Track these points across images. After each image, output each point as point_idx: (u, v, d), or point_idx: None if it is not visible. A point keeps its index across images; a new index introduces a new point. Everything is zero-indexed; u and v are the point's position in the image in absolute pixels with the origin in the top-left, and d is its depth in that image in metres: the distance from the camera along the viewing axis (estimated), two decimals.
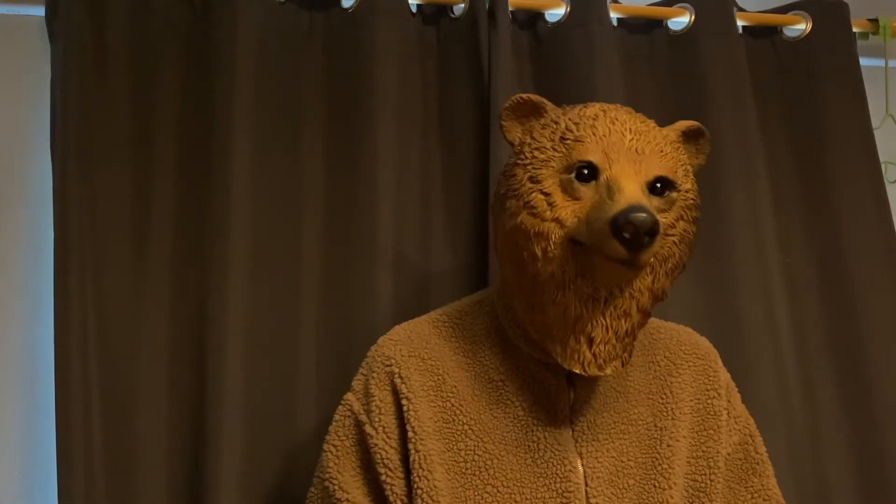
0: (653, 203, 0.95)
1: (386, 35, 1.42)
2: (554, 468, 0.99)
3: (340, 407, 1.08)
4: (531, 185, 0.96)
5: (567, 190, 0.95)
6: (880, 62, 1.76)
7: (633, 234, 0.86)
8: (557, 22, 1.53)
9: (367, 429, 1.03)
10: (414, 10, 1.48)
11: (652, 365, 1.09)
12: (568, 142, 0.96)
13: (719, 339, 1.47)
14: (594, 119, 0.98)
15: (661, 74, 1.59)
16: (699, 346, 1.13)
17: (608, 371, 0.97)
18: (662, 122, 1.54)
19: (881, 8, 1.74)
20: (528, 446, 1.00)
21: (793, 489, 1.44)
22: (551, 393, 1.02)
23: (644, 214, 0.86)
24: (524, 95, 1.03)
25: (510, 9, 1.48)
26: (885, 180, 1.64)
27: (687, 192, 0.99)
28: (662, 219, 0.95)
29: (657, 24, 1.61)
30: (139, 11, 1.37)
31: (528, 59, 1.53)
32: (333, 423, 1.07)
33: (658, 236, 0.88)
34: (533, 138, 1.00)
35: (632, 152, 0.95)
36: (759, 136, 1.58)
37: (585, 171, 0.94)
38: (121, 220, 1.33)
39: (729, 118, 1.55)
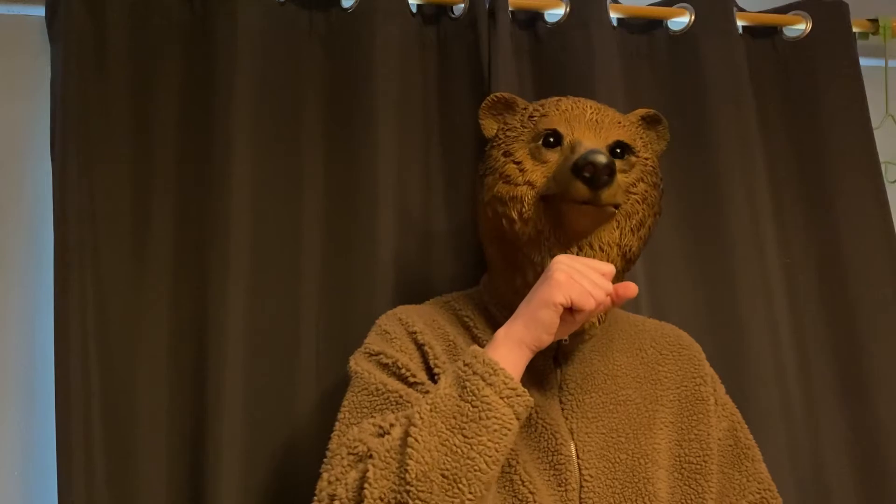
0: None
1: (386, 35, 1.42)
2: (546, 442, 1.04)
3: (357, 355, 1.09)
4: (504, 159, 1.08)
5: (535, 156, 1.06)
6: (880, 62, 1.76)
7: (593, 173, 0.98)
8: (557, 22, 1.53)
9: (399, 360, 1.05)
10: (414, 10, 1.48)
11: (639, 352, 1.14)
12: (535, 118, 1.10)
13: (719, 338, 1.48)
14: (558, 100, 1.11)
15: (661, 74, 1.59)
16: (682, 338, 1.19)
17: (584, 325, 1.06)
18: None
19: (881, 8, 1.74)
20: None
21: (793, 489, 1.44)
22: (538, 373, 1.07)
23: (601, 155, 0.98)
24: (498, 94, 1.15)
25: (510, 9, 1.48)
26: (885, 180, 1.64)
27: (646, 159, 1.10)
28: (624, 178, 1.06)
29: (657, 24, 1.61)
30: (139, 11, 1.37)
31: (528, 59, 1.53)
32: (353, 365, 1.08)
33: (616, 176, 1.00)
34: (506, 124, 1.13)
35: (592, 122, 1.07)
36: (759, 135, 1.58)
37: (551, 139, 1.06)
38: (121, 221, 1.33)
39: (729, 118, 1.55)
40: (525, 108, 1.13)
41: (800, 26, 1.66)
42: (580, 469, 1.03)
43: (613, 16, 1.56)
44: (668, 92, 1.58)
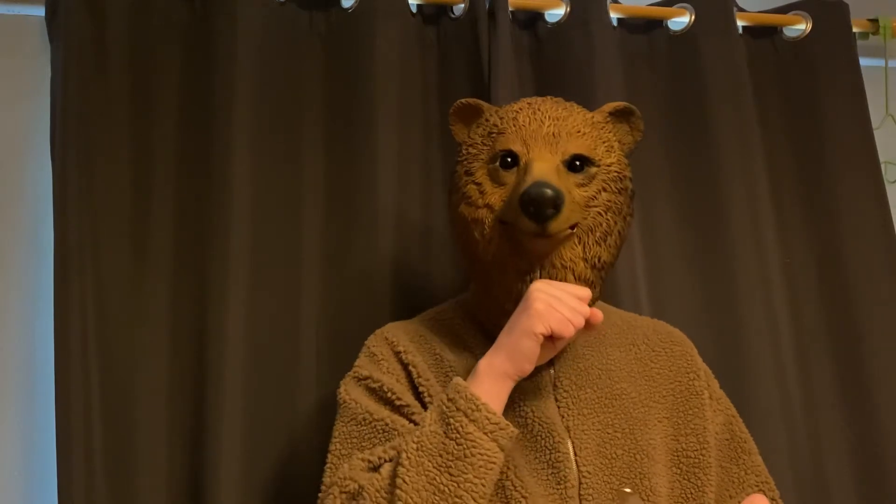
0: (571, 179, 1.04)
1: (386, 35, 1.42)
2: (543, 441, 1.04)
3: (346, 379, 1.10)
4: (466, 178, 1.08)
5: (494, 178, 1.06)
6: (880, 62, 1.76)
7: (537, 208, 0.97)
8: (557, 22, 1.53)
9: (385, 384, 1.06)
10: (414, 10, 1.48)
11: (632, 347, 1.15)
12: (493, 135, 1.08)
13: (719, 338, 1.48)
14: (517, 112, 1.08)
15: (661, 74, 1.59)
16: (674, 334, 1.20)
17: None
18: (662, 123, 1.56)
19: (881, 8, 1.74)
20: (518, 422, 1.05)
21: (793, 489, 1.44)
22: (532, 373, 1.07)
23: (545, 189, 0.97)
24: (465, 100, 1.15)
25: (510, 9, 1.48)
26: (885, 180, 1.64)
27: (609, 166, 1.07)
28: (583, 192, 1.04)
29: (657, 24, 1.61)
30: (139, 11, 1.37)
31: (528, 59, 1.54)
32: (342, 394, 1.09)
33: (563, 207, 0.98)
34: (470, 137, 1.12)
35: (549, 136, 1.05)
36: (759, 135, 1.58)
37: (508, 160, 1.05)
38: (121, 221, 1.33)
39: (729, 118, 1.55)
40: (487, 120, 1.11)
41: (800, 26, 1.66)
42: (578, 466, 1.03)
43: (613, 16, 1.56)
44: (668, 92, 1.58)
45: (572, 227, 1.03)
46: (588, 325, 1.01)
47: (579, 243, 1.04)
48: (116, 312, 1.30)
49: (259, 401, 1.31)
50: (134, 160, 1.35)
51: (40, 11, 1.37)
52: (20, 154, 1.40)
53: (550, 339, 0.98)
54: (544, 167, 1.02)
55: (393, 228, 1.39)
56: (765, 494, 1.12)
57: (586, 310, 0.99)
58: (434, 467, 0.92)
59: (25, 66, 1.40)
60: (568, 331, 0.96)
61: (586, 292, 1.00)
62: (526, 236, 1.01)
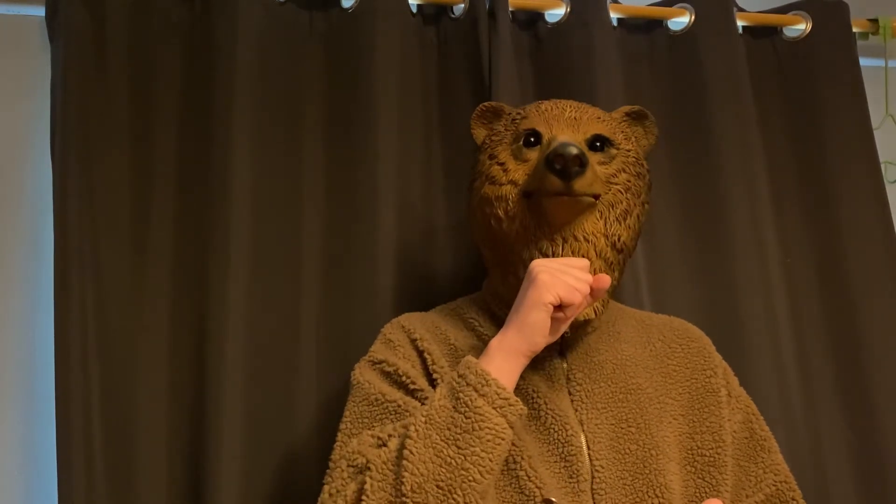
0: (593, 157, 1.07)
1: (386, 35, 1.42)
2: (556, 434, 1.04)
3: (361, 363, 1.11)
4: (490, 162, 1.12)
5: (517, 156, 1.10)
6: (880, 62, 1.76)
7: (563, 164, 1.01)
8: (557, 22, 1.53)
9: (400, 368, 1.07)
10: (414, 10, 1.48)
11: (648, 344, 1.15)
12: (517, 120, 1.13)
13: (719, 338, 1.46)
14: (539, 102, 1.15)
15: (661, 74, 1.59)
16: (691, 331, 1.20)
17: (581, 318, 1.07)
18: (662, 123, 1.56)
19: (881, 8, 1.74)
20: (531, 414, 1.06)
21: None
22: (545, 365, 1.08)
23: (571, 146, 1.01)
24: (486, 104, 1.20)
25: (510, 9, 1.48)
26: (885, 180, 1.64)
27: (628, 151, 1.11)
28: (604, 169, 1.08)
29: (657, 24, 1.61)
30: (139, 12, 1.37)
31: (528, 59, 1.54)
32: (356, 375, 1.09)
33: (588, 167, 1.02)
34: (492, 130, 1.17)
35: (571, 120, 1.10)
36: (759, 136, 1.58)
37: (532, 139, 1.10)
38: (121, 221, 1.33)
39: (729, 118, 1.55)
40: (509, 115, 1.16)
41: (800, 26, 1.66)
42: (591, 460, 1.03)
43: (613, 16, 1.56)
44: (668, 92, 1.58)
45: (595, 197, 1.05)
46: (594, 292, 1.01)
47: (601, 217, 1.06)
48: (116, 313, 1.30)
49: (259, 401, 1.31)
50: (134, 160, 1.35)
51: (40, 11, 1.37)
52: (20, 154, 1.40)
53: (559, 309, 0.98)
54: (572, 137, 1.06)
55: (394, 228, 1.39)
56: (784, 494, 1.11)
57: (589, 278, 1.00)
58: (442, 440, 0.92)
59: (25, 66, 1.40)
60: (575, 297, 0.97)
61: (584, 262, 1.02)
62: (550, 199, 1.03)
